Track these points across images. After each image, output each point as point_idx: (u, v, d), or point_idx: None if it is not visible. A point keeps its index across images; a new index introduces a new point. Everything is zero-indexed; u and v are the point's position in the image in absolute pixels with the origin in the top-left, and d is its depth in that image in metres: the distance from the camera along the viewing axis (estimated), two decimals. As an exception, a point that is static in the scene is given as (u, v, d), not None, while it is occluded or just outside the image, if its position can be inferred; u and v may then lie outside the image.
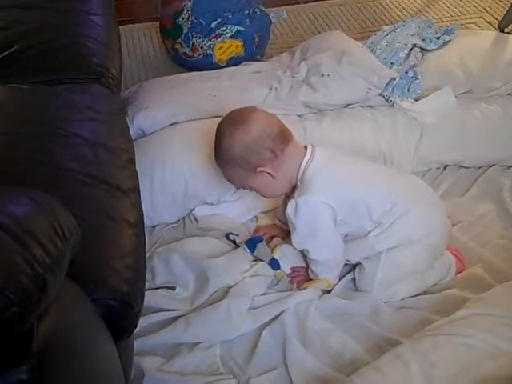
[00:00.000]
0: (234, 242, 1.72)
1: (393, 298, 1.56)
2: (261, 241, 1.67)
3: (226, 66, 2.30)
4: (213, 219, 1.80)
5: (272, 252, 1.66)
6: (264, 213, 1.83)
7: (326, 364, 1.42)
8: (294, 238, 1.55)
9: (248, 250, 1.66)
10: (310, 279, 1.60)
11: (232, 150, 1.50)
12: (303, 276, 1.62)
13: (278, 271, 1.63)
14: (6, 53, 1.69)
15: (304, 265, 1.64)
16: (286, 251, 1.65)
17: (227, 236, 1.74)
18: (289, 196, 1.56)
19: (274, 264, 1.63)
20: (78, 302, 0.98)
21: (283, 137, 1.52)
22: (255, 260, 1.66)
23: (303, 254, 1.62)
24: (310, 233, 1.53)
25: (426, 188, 1.66)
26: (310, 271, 1.60)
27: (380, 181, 1.59)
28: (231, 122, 1.52)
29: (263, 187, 1.56)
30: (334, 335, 1.48)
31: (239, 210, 1.83)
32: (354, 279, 1.60)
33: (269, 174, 1.51)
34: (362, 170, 1.60)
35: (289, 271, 1.64)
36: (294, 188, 1.55)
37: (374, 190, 1.55)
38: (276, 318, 1.52)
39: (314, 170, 1.51)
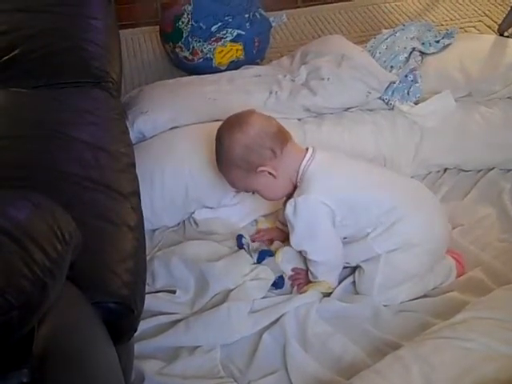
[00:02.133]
0: (242, 246, 1.71)
1: (392, 301, 1.56)
2: (271, 255, 1.67)
3: (226, 70, 2.30)
4: (213, 223, 1.80)
5: (274, 256, 1.66)
6: (264, 216, 1.83)
7: (326, 367, 1.42)
8: (293, 238, 1.55)
9: (255, 260, 1.66)
10: (310, 282, 1.60)
11: (232, 151, 1.52)
12: (303, 279, 1.62)
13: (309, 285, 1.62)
14: (7, 57, 1.69)
15: (305, 267, 1.64)
16: (287, 254, 1.65)
17: (239, 238, 1.73)
18: (290, 197, 1.57)
19: (280, 282, 1.63)
20: (78, 306, 0.99)
21: (282, 136, 1.54)
22: (255, 263, 1.66)
23: (303, 256, 1.62)
24: (308, 233, 1.53)
25: (427, 191, 1.66)
26: (309, 273, 1.60)
27: (381, 182, 1.59)
28: (229, 126, 1.55)
29: (265, 188, 1.57)
30: (334, 338, 1.48)
31: (239, 213, 1.83)
32: (354, 282, 1.60)
33: (270, 173, 1.52)
34: (363, 172, 1.61)
35: (290, 273, 1.64)
36: (294, 189, 1.55)
37: (375, 191, 1.55)
38: (276, 321, 1.52)
39: (314, 170, 1.52)
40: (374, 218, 1.51)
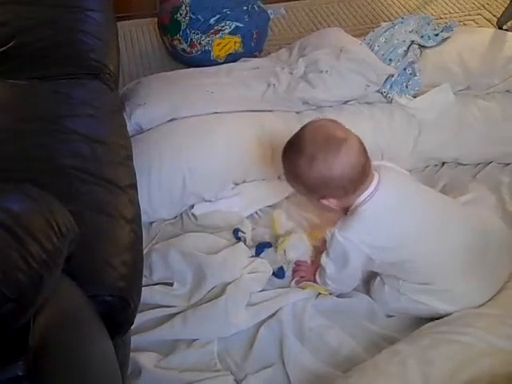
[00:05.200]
0: (239, 239, 1.71)
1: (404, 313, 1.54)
2: (269, 246, 1.67)
3: (224, 63, 2.29)
4: (213, 216, 1.80)
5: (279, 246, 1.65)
6: (268, 207, 1.82)
7: (322, 361, 1.43)
8: (323, 256, 1.51)
9: (253, 253, 1.66)
10: (311, 275, 1.59)
11: (306, 174, 1.40)
12: (305, 272, 1.62)
13: (305, 283, 1.60)
14: (3, 48, 1.68)
15: (308, 260, 1.64)
16: (293, 242, 1.66)
17: (236, 232, 1.72)
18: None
19: (280, 273, 1.63)
20: (75, 298, 0.98)
21: (362, 177, 1.39)
22: (254, 256, 1.66)
23: (308, 248, 1.63)
24: (336, 264, 1.49)
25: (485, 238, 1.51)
26: (317, 276, 1.57)
27: (431, 237, 1.46)
28: (319, 146, 1.38)
29: (317, 208, 1.52)
30: (331, 332, 1.48)
31: (240, 204, 1.82)
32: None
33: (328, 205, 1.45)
34: (416, 222, 1.45)
35: (293, 263, 1.64)
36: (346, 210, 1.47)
37: (418, 250, 1.44)
38: (273, 315, 1.52)
39: (366, 210, 1.40)
40: (408, 272, 1.47)
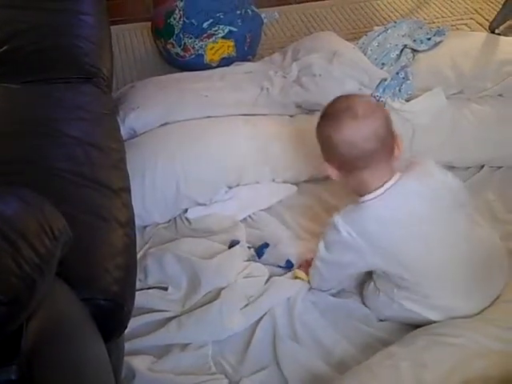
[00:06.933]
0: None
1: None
2: (268, 246, 1.68)
3: (218, 67, 2.30)
4: (206, 220, 1.80)
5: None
6: (261, 210, 1.82)
7: (317, 357, 1.43)
8: (319, 243, 1.51)
9: (256, 259, 1.67)
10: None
11: (319, 129, 1.44)
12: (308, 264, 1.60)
13: (295, 271, 1.62)
14: (-3, 52, 1.69)
15: None
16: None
17: (232, 247, 1.70)
18: None
19: (289, 263, 1.64)
20: (68, 302, 0.98)
21: (358, 163, 1.38)
22: (248, 260, 1.66)
23: None
24: (327, 247, 1.49)
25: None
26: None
27: (431, 262, 1.42)
28: (337, 110, 1.42)
29: (332, 175, 1.47)
30: (326, 332, 1.48)
31: (234, 208, 1.82)
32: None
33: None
34: (419, 243, 1.41)
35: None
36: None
37: (418, 270, 1.42)
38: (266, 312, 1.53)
39: (371, 210, 1.40)
40: (403, 280, 1.45)
